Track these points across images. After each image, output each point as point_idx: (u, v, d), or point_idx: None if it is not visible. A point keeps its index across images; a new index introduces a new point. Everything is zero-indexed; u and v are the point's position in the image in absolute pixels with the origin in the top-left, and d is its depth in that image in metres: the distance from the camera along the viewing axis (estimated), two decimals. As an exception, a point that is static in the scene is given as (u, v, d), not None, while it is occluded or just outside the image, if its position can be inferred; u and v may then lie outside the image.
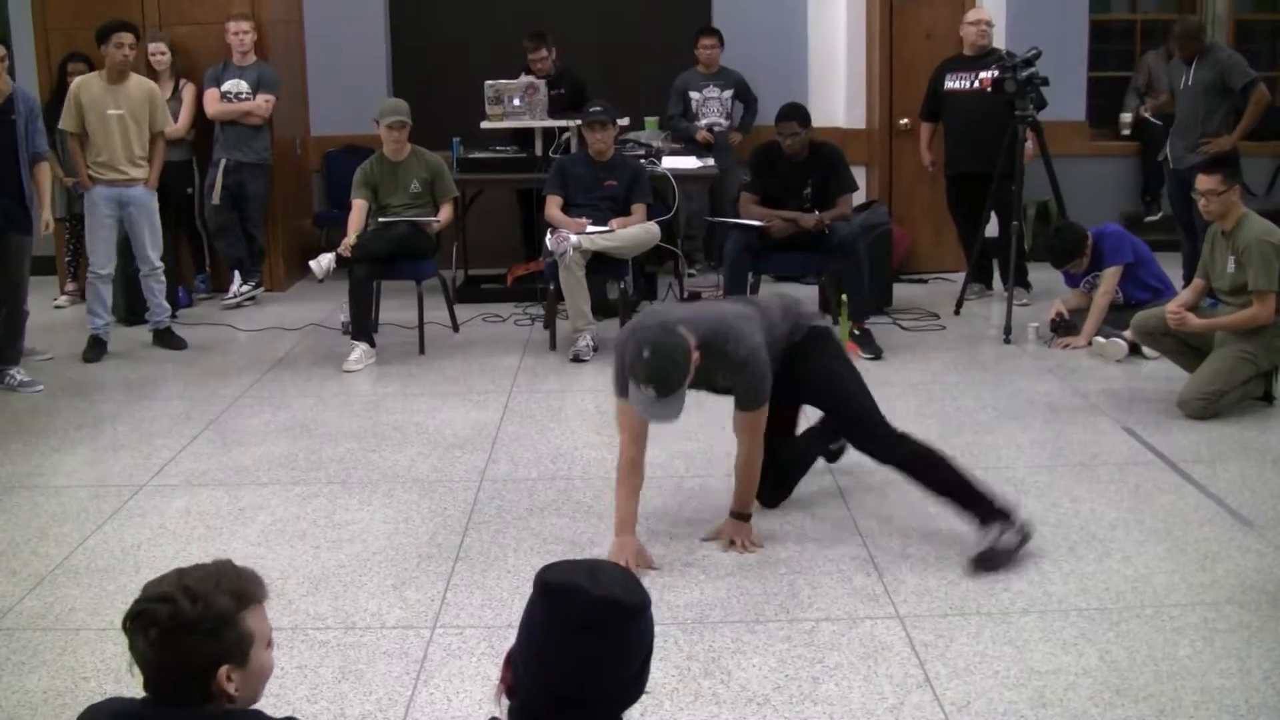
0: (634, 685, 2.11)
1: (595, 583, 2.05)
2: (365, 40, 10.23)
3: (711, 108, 9.73)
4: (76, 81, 7.66)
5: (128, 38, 7.55)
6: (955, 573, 4.41)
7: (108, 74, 7.60)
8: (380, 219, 7.68)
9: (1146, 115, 8.42)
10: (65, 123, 7.53)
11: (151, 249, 7.82)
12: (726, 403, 6.40)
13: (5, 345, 7.15)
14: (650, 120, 9.60)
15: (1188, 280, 7.75)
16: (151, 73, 8.90)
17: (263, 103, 9.05)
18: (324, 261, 7.45)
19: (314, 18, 10.27)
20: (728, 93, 9.74)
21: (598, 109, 7.75)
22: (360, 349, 7.42)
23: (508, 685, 2.11)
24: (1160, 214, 10.24)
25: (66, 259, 9.46)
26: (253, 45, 9.12)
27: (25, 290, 7.27)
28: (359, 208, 7.71)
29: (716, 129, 9.65)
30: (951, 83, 8.76)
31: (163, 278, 7.94)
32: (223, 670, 2.17)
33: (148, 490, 5.42)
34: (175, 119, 8.93)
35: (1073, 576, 4.36)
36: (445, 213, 7.87)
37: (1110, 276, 7.38)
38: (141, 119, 7.67)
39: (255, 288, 9.29)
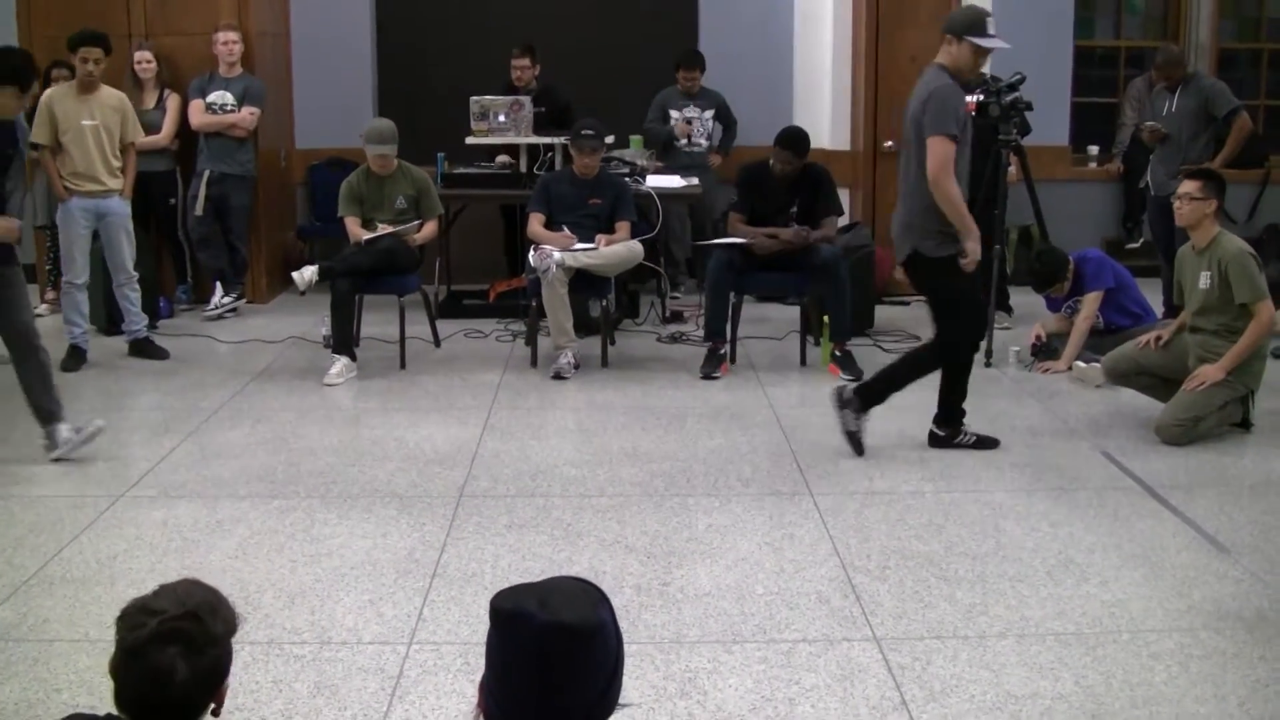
0: (601, 704, 2.08)
1: (544, 608, 2.01)
2: (351, 54, 10.24)
3: (692, 127, 9.74)
4: (48, 93, 7.64)
5: (94, 52, 7.52)
6: (933, 595, 4.41)
7: (78, 85, 7.59)
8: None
9: (1142, 136, 8.45)
10: (38, 135, 7.46)
11: (128, 259, 7.81)
12: (706, 423, 6.41)
13: (39, 401, 5.97)
14: (635, 139, 9.61)
15: (1168, 305, 7.80)
16: (137, 81, 8.90)
17: (248, 115, 9.04)
18: (306, 274, 7.44)
19: (301, 30, 10.27)
20: (708, 113, 9.75)
21: (589, 131, 7.75)
22: (341, 363, 7.41)
23: (485, 710, 2.10)
24: (1141, 240, 10.29)
25: (48, 267, 9.42)
26: (239, 57, 9.12)
27: (33, 328, 6.05)
28: (354, 224, 7.73)
29: (696, 149, 9.65)
30: None
31: (138, 287, 7.92)
32: (226, 684, 2.25)
33: (125, 501, 5.39)
34: (159, 129, 8.92)
35: (1050, 601, 4.37)
36: (429, 229, 7.88)
37: (1091, 301, 7.41)
38: (114, 129, 7.67)
39: (237, 299, 9.27)
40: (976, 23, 5.69)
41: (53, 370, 6.09)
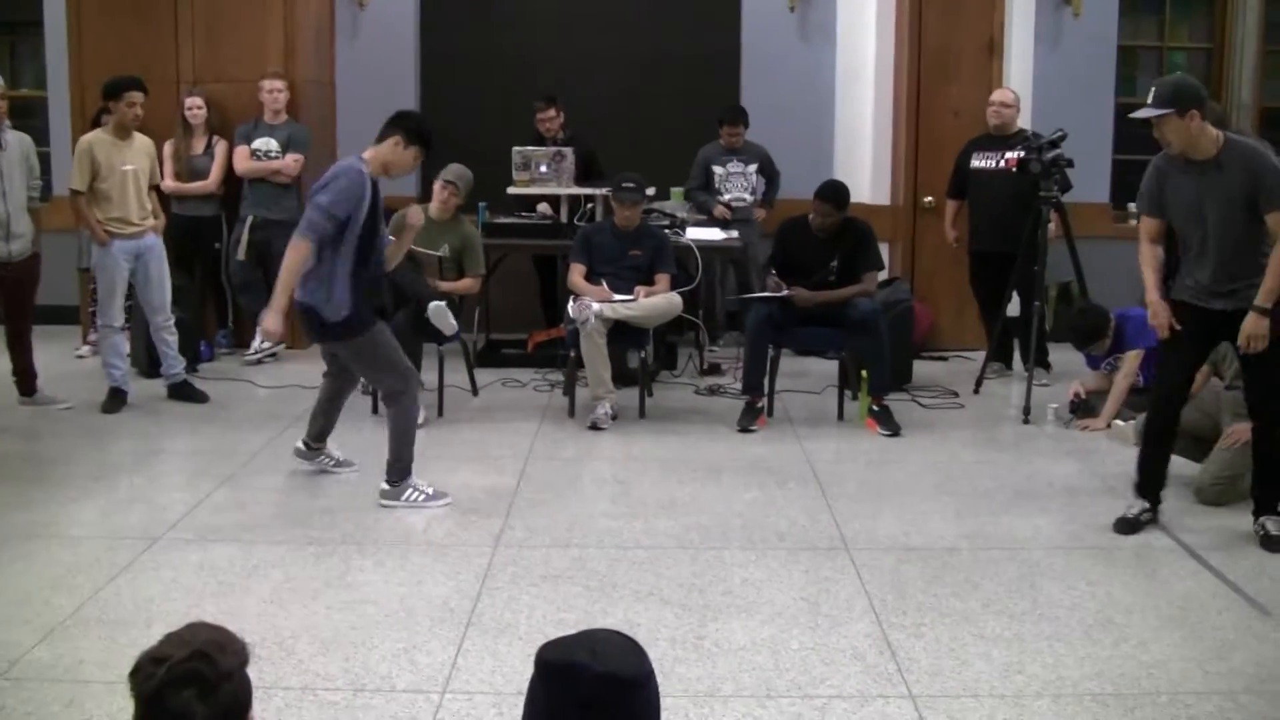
0: None
1: (595, 659, 2.02)
2: (395, 103, 10.21)
3: (735, 183, 9.71)
4: (86, 140, 7.73)
5: (139, 96, 7.64)
6: (969, 653, 4.38)
7: (115, 130, 7.70)
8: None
9: None
10: (77, 181, 7.58)
11: (165, 300, 7.91)
12: (743, 476, 6.40)
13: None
14: (676, 191, 9.64)
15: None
16: (187, 126, 9.04)
17: (292, 162, 9.14)
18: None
19: (346, 79, 10.39)
20: (752, 167, 9.73)
21: (630, 184, 7.79)
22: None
23: None
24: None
25: (91, 309, 9.49)
26: (285, 104, 9.23)
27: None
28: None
29: (739, 204, 9.64)
30: (978, 161, 8.80)
31: (175, 330, 7.99)
32: (251, 713, 2.23)
33: (162, 543, 5.41)
34: (208, 174, 9.05)
35: (1087, 661, 4.33)
36: (467, 282, 7.91)
37: (1132, 359, 7.36)
38: (145, 173, 7.82)
39: (277, 345, 9.32)
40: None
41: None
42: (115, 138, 7.68)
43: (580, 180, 9.07)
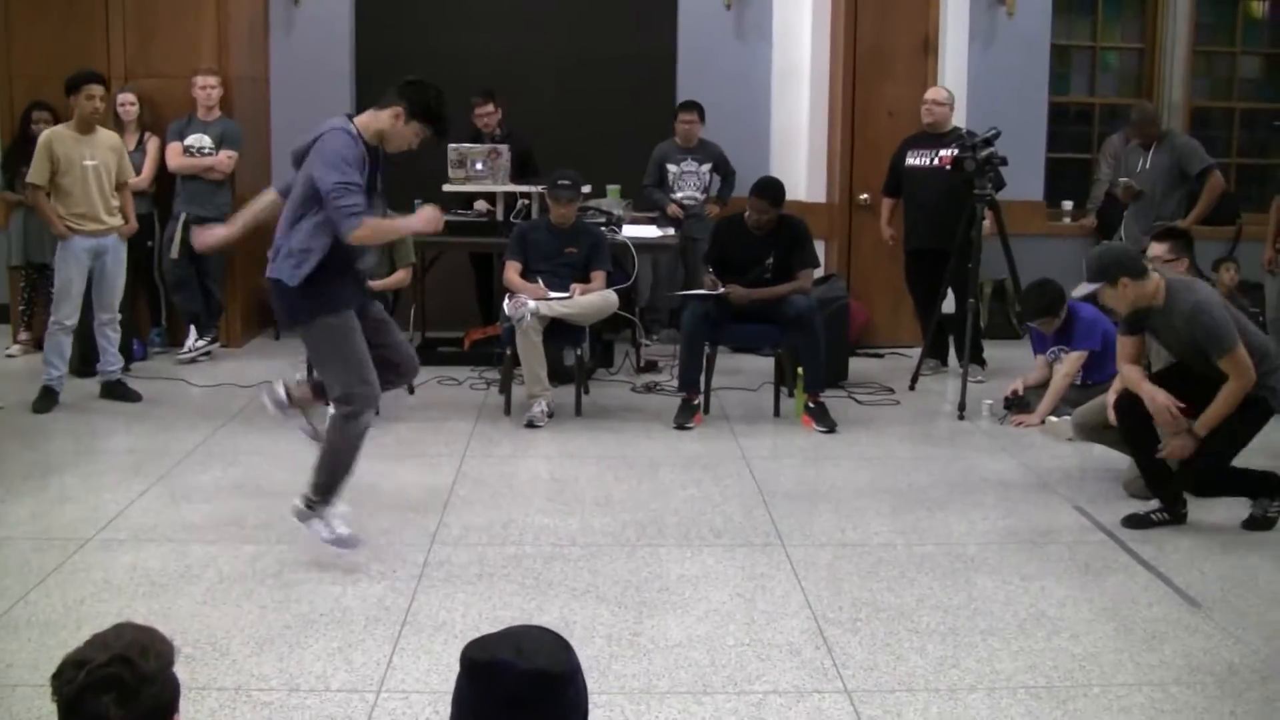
0: None
1: (521, 655, 2.02)
2: (330, 99, 10.20)
3: (689, 181, 9.73)
4: (47, 134, 7.63)
5: (98, 89, 7.56)
6: (904, 648, 4.41)
7: (78, 125, 7.58)
8: None
9: (1117, 193, 8.52)
10: (36, 176, 7.48)
11: (117, 298, 7.82)
12: (679, 473, 6.42)
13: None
14: (612, 188, 9.64)
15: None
16: (119, 123, 8.92)
17: (225, 159, 9.05)
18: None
19: (280, 75, 10.31)
20: (705, 166, 9.75)
21: (565, 182, 7.77)
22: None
23: None
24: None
25: (21, 307, 9.39)
26: (218, 100, 9.14)
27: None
28: None
29: (690, 203, 9.67)
30: (913, 159, 8.85)
31: (119, 328, 7.90)
32: (177, 716, 2.21)
33: (93, 544, 5.35)
34: (139, 171, 8.95)
35: (1021, 654, 4.36)
36: (397, 277, 7.85)
37: (1074, 360, 7.42)
38: (112, 168, 7.70)
39: (211, 343, 9.25)
40: None
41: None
42: (77, 132, 7.57)
43: (516, 177, 9.04)
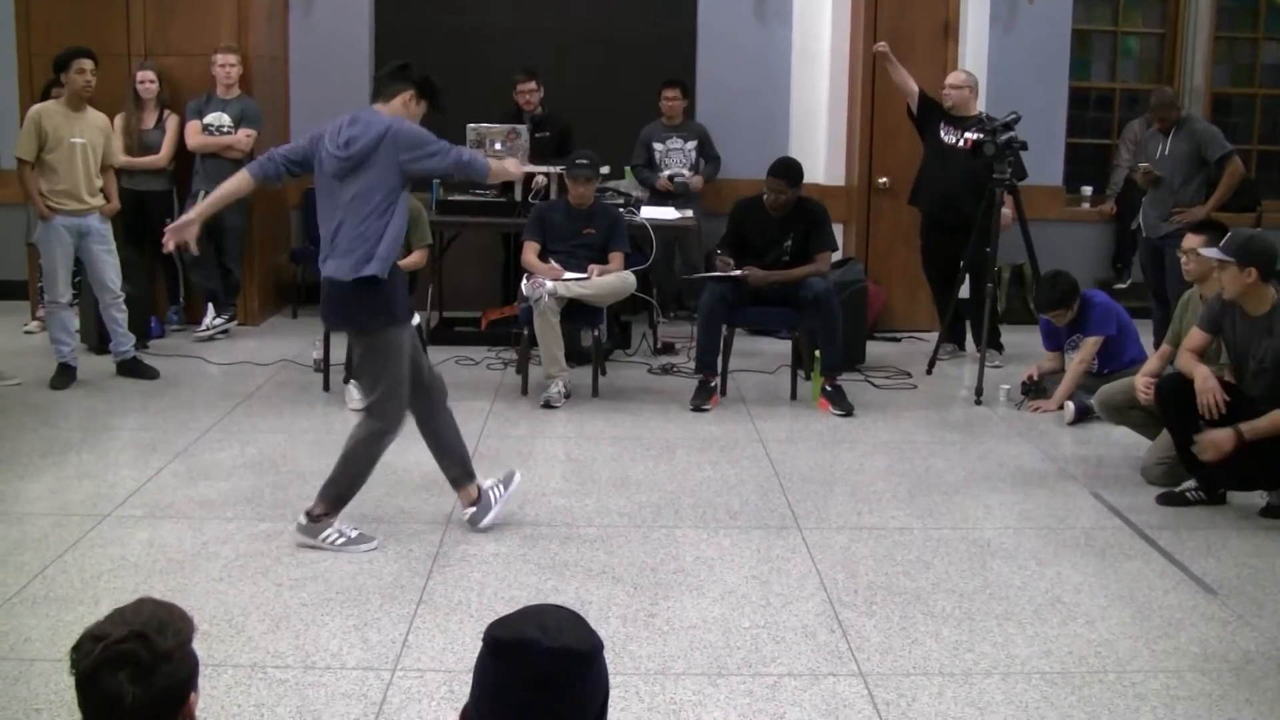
0: None
1: (546, 634, 2.02)
2: (349, 79, 10.24)
3: (674, 159, 9.76)
4: (36, 109, 7.61)
5: (89, 64, 7.50)
6: (919, 631, 4.40)
7: (69, 101, 7.56)
8: None
9: (1136, 178, 8.47)
10: (22, 150, 7.44)
11: (113, 278, 7.79)
12: (695, 455, 6.41)
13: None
14: (630, 170, 9.64)
15: (1158, 346, 7.77)
16: (138, 100, 8.94)
17: (244, 137, 9.05)
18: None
19: (299, 54, 10.31)
20: (690, 144, 9.77)
21: (583, 162, 7.76)
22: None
23: None
24: (1130, 281, 10.34)
25: (39, 284, 9.40)
26: (238, 79, 9.14)
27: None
28: None
29: (677, 179, 9.68)
30: (947, 136, 8.73)
31: (124, 307, 7.88)
32: (193, 697, 2.21)
33: (110, 520, 5.37)
34: (159, 148, 8.96)
35: (1036, 640, 4.36)
36: (414, 257, 7.82)
37: (1090, 346, 7.39)
38: (99, 149, 7.68)
39: (229, 321, 9.26)
40: None
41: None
42: (68, 109, 7.55)
43: (556, 156, 9.01)
